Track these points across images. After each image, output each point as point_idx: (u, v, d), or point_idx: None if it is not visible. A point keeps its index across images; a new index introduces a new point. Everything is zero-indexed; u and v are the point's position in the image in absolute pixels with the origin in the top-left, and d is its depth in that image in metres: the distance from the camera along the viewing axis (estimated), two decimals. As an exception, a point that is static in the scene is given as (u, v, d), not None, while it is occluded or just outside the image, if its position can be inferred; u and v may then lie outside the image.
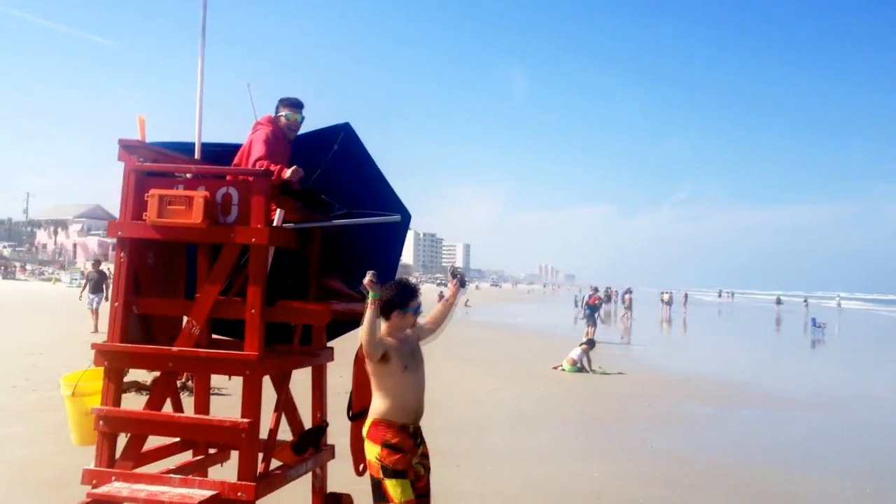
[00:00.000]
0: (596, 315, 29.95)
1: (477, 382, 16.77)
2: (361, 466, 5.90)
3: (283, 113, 6.13)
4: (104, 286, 25.45)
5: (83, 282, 28.60)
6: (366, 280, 4.99)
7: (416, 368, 5.21)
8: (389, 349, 5.06)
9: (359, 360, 5.59)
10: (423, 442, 5.26)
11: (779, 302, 79.76)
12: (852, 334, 45.95)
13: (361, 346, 5.04)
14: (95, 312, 24.51)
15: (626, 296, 46.75)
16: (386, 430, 5.06)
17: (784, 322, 54.63)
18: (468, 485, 8.51)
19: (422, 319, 5.46)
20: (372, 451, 5.07)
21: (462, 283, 5.80)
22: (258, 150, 5.85)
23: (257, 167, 5.68)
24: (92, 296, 25.19)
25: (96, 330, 23.39)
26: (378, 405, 5.13)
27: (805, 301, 79.12)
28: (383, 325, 5.15)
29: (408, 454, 5.08)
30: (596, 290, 32.47)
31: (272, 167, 5.65)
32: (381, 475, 5.00)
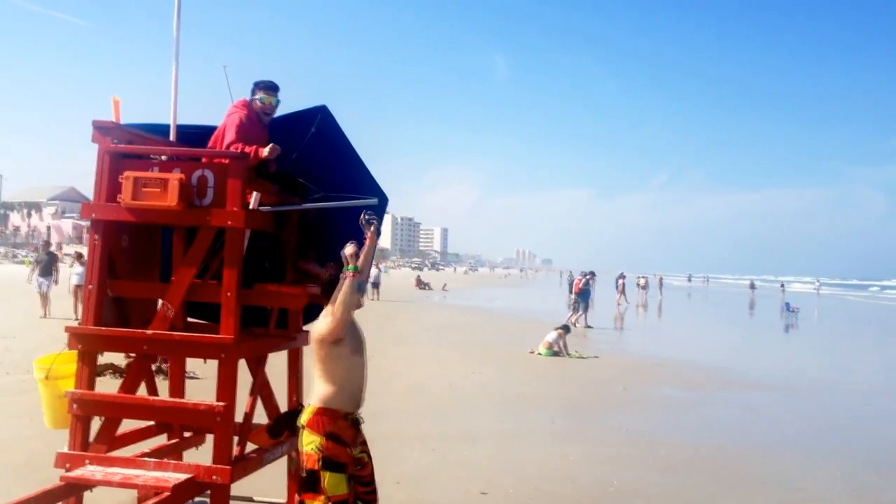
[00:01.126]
0: (588, 300, 29.61)
1: (454, 366, 16.80)
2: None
3: (259, 96, 6.09)
4: (54, 269, 24.29)
5: (32, 264, 26.52)
6: (346, 251, 4.89)
7: (363, 353, 5.04)
8: (343, 332, 4.86)
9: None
10: (360, 429, 5.01)
11: (752, 286, 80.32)
12: (826, 320, 46.41)
13: (325, 326, 4.84)
14: (45, 297, 23.22)
15: (620, 280, 46.64)
16: (331, 420, 4.83)
17: (758, 307, 55.06)
18: (444, 468, 8.54)
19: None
20: (312, 440, 4.81)
21: (378, 233, 5.51)
22: (231, 134, 5.81)
23: (246, 154, 5.63)
24: (41, 279, 23.67)
25: (46, 315, 22.36)
26: (323, 391, 4.88)
27: (782, 286, 79.71)
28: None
29: (349, 447, 4.87)
30: (592, 273, 31.94)
31: (247, 149, 5.62)
32: (318, 466, 4.76)
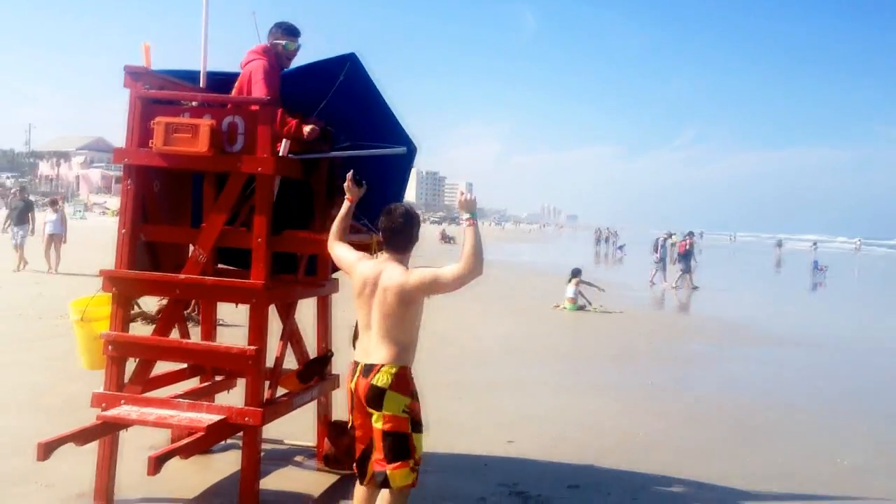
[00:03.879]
0: (690, 261, 29.03)
1: (479, 319, 16.89)
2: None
3: (281, 42, 6.03)
4: (30, 217, 22.33)
5: (6, 212, 23.87)
6: (464, 196, 4.68)
7: None
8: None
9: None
10: None
11: (779, 245, 79.67)
12: (855, 278, 46.06)
13: (450, 275, 4.54)
14: (20, 248, 21.17)
15: (688, 240, 45.93)
16: (411, 378, 4.61)
17: (785, 265, 54.69)
18: (470, 417, 8.63)
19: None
20: (399, 403, 4.50)
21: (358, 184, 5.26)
22: (261, 87, 5.74)
23: (287, 124, 5.63)
24: (16, 228, 21.67)
25: (19, 268, 20.62)
26: (401, 349, 4.57)
27: (814, 244, 78.89)
28: (394, 261, 4.75)
29: None
30: (690, 233, 31.15)
31: (290, 120, 5.62)
32: (409, 429, 4.51)
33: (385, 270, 4.67)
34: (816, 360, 14.52)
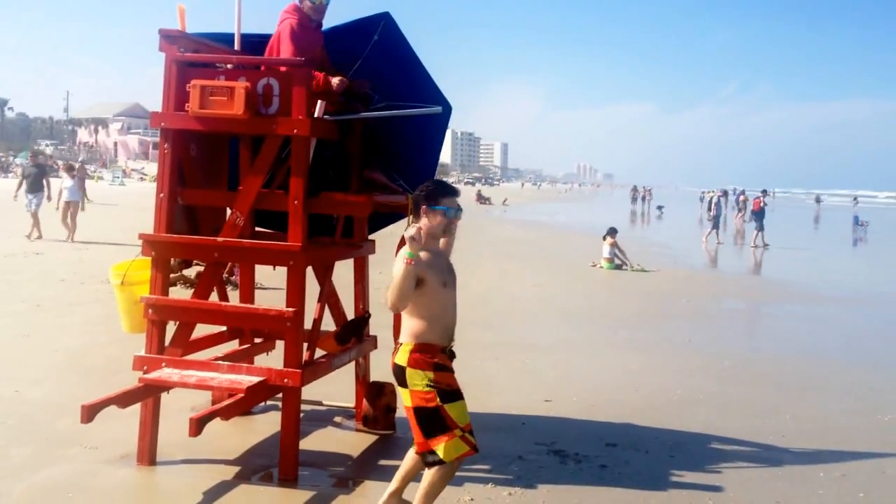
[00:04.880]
0: (763, 219, 29.02)
1: (516, 279, 16.87)
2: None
3: None
4: (45, 183, 21.07)
5: (19, 178, 22.17)
6: (407, 234, 4.31)
7: (453, 285, 4.66)
8: (420, 272, 4.39)
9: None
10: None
11: (818, 200, 78.71)
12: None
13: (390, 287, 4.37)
14: (35, 216, 20.07)
15: (741, 197, 45.47)
16: (431, 351, 4.49)
17: (826, 221, 53.98)
18: (508, 377, 8.65)
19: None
20: (421, 378, 4.44)
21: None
22: (287, 46, 5.72)
23: (314, 78, 5.58)
24: (30, 196, 20.48)
25: (36, 236, 19.86)
26: (414, 327, 4.52)
27: (854, 199, 77.62)
28: (412, 228, 4.56)
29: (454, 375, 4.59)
30: (764, 192, 31.23)
31: (317, 74, 5.57)
32: (438, 402, 4.41)
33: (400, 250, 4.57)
34: (857, 316, 14.34)
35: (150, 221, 5.62)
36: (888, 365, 10.35)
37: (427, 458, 4.47)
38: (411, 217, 5.50)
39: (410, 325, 4.53)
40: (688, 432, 6.95)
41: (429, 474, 4.48)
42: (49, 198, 20.99)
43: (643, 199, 67.72)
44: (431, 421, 4.41)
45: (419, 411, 4.43)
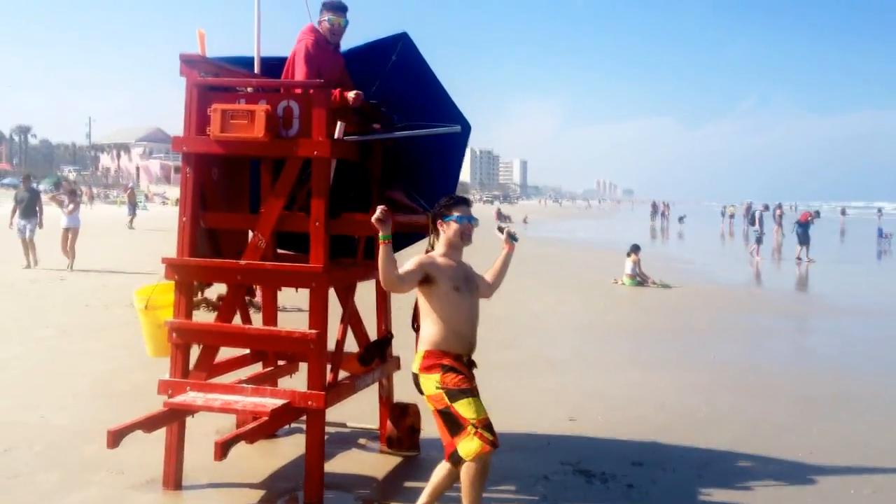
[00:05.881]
0: (808, 232, 28.56)
1: (537, 296, 16.81)
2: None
3: (326, 18, 5.97)
4: (38, 209, 19.72)
5: (12, 203, 20.63)
6: (374, 216, 4.61)
7: (469, 293, 4.80)
8: (431, 269, 4.68)
9: None
10: (474, 375, 4.81)
11: (843, 213, 78.27)
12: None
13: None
14: (28, 243, 18.98)
15: (777, 211, 45.11)
16: (440, 357, 4.65)
17: (849, 233, 53.54)
18: (530, 395, 8.60)
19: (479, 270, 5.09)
20: (430, 381, 4.62)
21: (513, 238, 5.26)
22: (301, 67, 5.76)
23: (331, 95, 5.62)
24: (23, 222, 19.23)
25: (29, 265, 18.80)
26: (428, 333, 4.71)
27: (878, 211, 76.99)
28: (437, 244, 4.91)
29: (468, 377, 4.69)
30: (817, 213, 30.94)
31: (333, 91, 5.60)
32: (447, 402, 4.54)
33: None
34: (884, 330, 14.19)
35: (160, 245, 5.65)
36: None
37: (452, 459, 4.57)
38: (433, 236, 5.53)
39: (424, 332, 4.77)
40: (715, 450, 6.88)
41: (461, 475, 4.55)
42: (41, 224, 19.73)
43: (662, 214, 67.60)
44: (449, 421, 4.55)
45: (440, 414, 4.59)
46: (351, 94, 5.64)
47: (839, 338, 13.27)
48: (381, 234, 4.59)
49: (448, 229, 4.85)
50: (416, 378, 4.74)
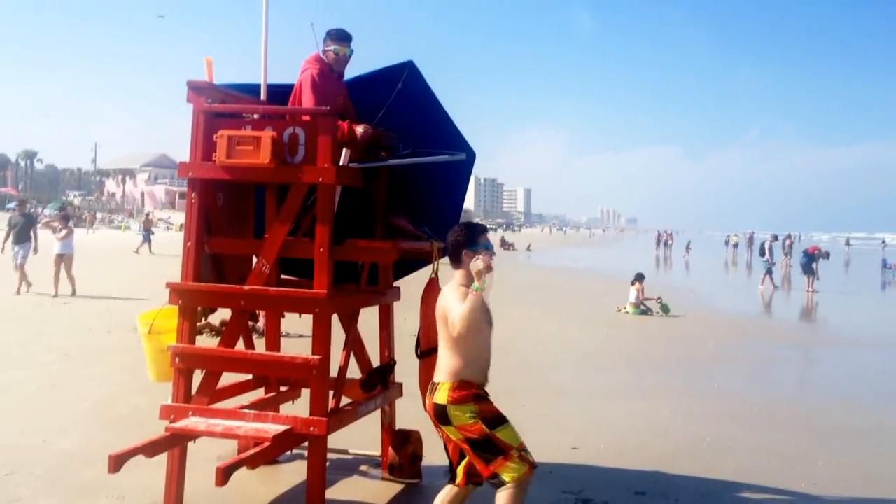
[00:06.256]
0: (813, 265, 28.60)
1: (541, 324, 16.80)
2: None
3: (332, 48, 6.02)
4: (32, 234, 19.46)
5: (7, 229, 19.98)
6: (475, 265, 4.50)
7: (490, 324, 4.83)
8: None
9: (426, 300, 5.60)
10: None
11: (847, 243, 78.27)
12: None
13: (455, 321, 4.52)
14: (21, 269, 18.73)
15: (787, 241, 45.08)
16: (469, 387, 4.64)
17: (853, 264, 53.47)
18: (534, 423, 8.52)
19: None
20: (464, 411, 4.58)
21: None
22: (308, 96, 5.80)
23: (339, 128, 5.66)
24: (17, 247, 18.97)
25: (19, 291, 18.53)
26: (453, 366, 4.66)
27: (883, 242, 76.98)
28: (457, 275, 4.79)
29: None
30: (827, 253, 30.88)
31: (341, 124, 5.65)
32: (487, 429, 4.55)
33: (441, 293, 4.87)
34: (889, 361, 14.13)
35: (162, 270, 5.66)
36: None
37: (493, 482, 4.56)
38: (436, 264, 5.54)
39: (450, 363, 4.67)
40: (718, 480, 6.84)
41: (500, 499, 4.53)
42: (36, 250, 19.47)
43: (665, 243, 67.78)
44: (487, 448, 4.55)
45: (472, 443, 4.57)
46: (359, 129, 5.68)
47: (844, 368, 13.22)
48: (476, 284, 4.49)
49: (476, 258, 4.61)
50: (442, 409, 4.62)
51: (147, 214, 49.86)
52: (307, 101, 5.81)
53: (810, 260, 28.57)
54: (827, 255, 29.71)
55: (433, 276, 5.81)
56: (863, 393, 11.20)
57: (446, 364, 4.69)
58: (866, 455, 7.84)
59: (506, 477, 4.51)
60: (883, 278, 39.29)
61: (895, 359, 14.45)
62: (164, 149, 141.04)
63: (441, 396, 4.64)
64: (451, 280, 4.82)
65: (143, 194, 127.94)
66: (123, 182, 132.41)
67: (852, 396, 10.82)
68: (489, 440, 4.55)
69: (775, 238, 31.49)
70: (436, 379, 4.73)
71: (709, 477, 6.91)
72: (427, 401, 4.80)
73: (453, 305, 4.60)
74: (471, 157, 6.39)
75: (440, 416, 4.65)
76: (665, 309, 19.21)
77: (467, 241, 4.76)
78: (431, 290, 5.61)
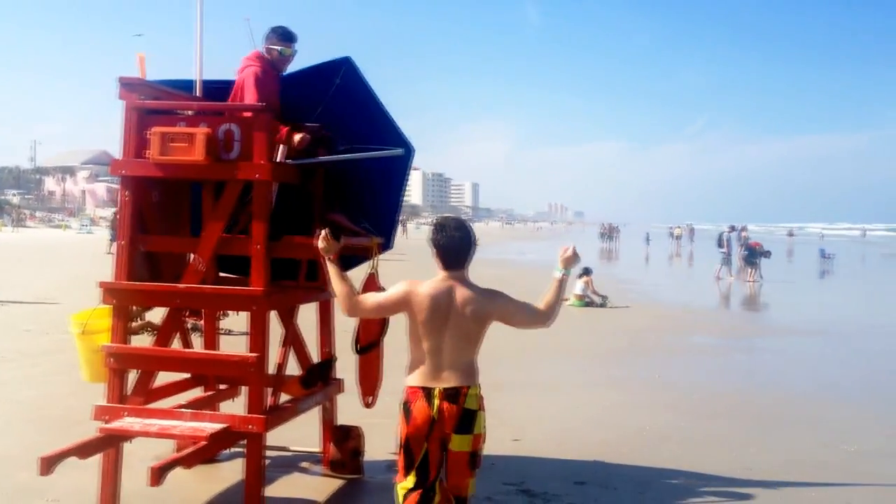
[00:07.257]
0: (755, 260, 29.36)
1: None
2: (370, 399, 6.01)
3: (277, 47, 5.98)
4: None
5: None
6: (567, 253, 4.69)
7: None
8: None
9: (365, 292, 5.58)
10: None
11: (790, 234, 80.00)
12: (861, 265, 45.95)
13: (535, 318, 4.58)
14: None
15: (743, 233, 45.03)
16: None
17: (794, 254, 54.60)
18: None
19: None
20: (483, 420, 4.42)
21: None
22: (252, 93, 5.76)
23: (278, 131, 5.63)
24: None
25: None
26: (476, 369, 4.49)
27: (821, 234, 79.03)
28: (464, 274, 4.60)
29: None
30: (769, 252, 31.20)
31: (281, 128, 5.62)
32: (482, 444, 4.48)
33: (457, 291, 4.47)
34: (823, 349, 14.48)
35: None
36: (853, 396, 10.47)
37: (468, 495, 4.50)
38: (376, 260, 5.54)
39: (475, 366, 4.47)
40: (657, 468, 6.96)
41: None
42: None
43: (610, 236, 68.50)
44: (479, 459, 4.47)
45: (475, 454, 4.42)
46: (297, 138, 5.65)
47: (781, 357, 13.50)
48: (559, 267, 4.79)
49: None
50: (472, 416, 4.35)
51: (115, 213, 48.72)
52: (250, 98, 5.75)
53: (752, 254, 29.27)
54: (768, 255, 30.26)
55: (372, 272, 5.81)
56: (796, 381, 11.47)
57: (473, 367, 4.45)
58: (799, 441, 8.05)
59: (471, 490, 4.48)
60: (821, 267, 40.18)
61: (831, 346, 14.79)
62: (105, 145, 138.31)
63: (473, 402, 4.34)
64: (452, 282, 4.53)
65: (83, 192, 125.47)
66: (63, 180, 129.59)
67: (786, 385, 11.06)
68: (480, 452, 4.46)
69: (732, 229, 31.94)
70: (463, 382, 4.35)
71: (648, 465, 7.04)
72: (443, 406, 4.32)
73: (521, 305, 4.59)
74: (409, 152, 6.38)
75: (466, 422, 4.32)
76: (604, 302, 19.44)
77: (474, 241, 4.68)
78: (371, 286, 5.60)
